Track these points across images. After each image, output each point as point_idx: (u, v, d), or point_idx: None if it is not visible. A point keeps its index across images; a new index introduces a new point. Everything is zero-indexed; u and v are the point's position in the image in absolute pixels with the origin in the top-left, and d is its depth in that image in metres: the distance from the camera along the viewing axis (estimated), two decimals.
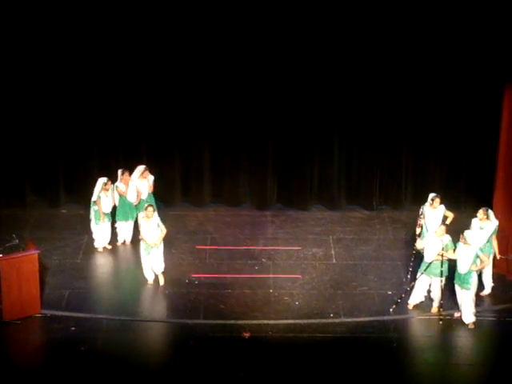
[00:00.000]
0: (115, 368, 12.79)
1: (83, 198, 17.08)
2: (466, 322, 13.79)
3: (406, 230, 16.75)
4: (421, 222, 14.83)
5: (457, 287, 13.83)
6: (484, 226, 14.43)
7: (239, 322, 13.87)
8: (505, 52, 14.71)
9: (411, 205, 17.54)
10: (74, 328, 13.62)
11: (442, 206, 15.07)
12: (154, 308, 14.43)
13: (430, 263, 13.88)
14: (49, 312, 14.01)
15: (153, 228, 14.40)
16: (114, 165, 17.04)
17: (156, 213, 14.52)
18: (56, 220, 17.15)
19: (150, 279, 14.72)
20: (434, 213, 14.95)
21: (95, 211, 15.71)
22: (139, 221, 14.59)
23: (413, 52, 15.98)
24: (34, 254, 13.86)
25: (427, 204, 15.02)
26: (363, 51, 16.07)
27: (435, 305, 14.17)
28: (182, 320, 14.02)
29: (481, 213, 14.47)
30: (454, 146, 17.11)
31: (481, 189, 16.88)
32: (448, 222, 14.88)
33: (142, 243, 14.46)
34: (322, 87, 16.63)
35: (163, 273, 14.68)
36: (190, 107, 16.85)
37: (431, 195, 15.08)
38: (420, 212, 15.01)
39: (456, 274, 13.74)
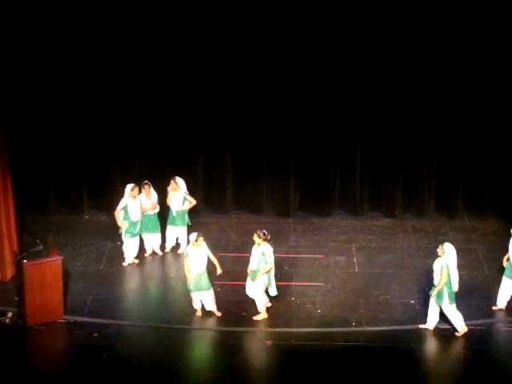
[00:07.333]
0: (137, 375, 12.95)
1: (106, 204, 17.50)
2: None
3: (428, 239, 16.86)
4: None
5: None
6: None
7: (261, 329, 14.06)
8: None
9: (434, 213, 17.70)
10: (96, 334, 13.80)
11: None
12: (177, 315, 14.43)
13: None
14: (71, 318, 14.22)
15: (202, 257, 14.06)
16: (137, 170, 17.31)
17: (205, 243, 14.17)
18: (79, 226, 17.35)
19: (198, 308, 14.44)
20: None
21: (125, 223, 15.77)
22: (185, 251, 14.32)
23: (439, 62, 16.18)
24: (57, 259, 14.03)
25: None
26: (388, 60, 16.28)
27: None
28: (204, 327, 14.24)
29: None
30: (478, 155, 17.24)
31: (503, 199, 17.13)
32: None
33: (189, 278, 14.08)
34: (346, 94, 16.76)
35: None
36: (211, 114, 17.01)
37: None
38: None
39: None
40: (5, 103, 15.83)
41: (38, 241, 14.40)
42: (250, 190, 17.72)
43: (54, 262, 13.99)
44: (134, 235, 15.97)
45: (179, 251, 16.44)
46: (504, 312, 14.61)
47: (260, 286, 14.15)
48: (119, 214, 15.80)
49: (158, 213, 16.22)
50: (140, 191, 15.94)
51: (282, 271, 15.61)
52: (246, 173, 17.62)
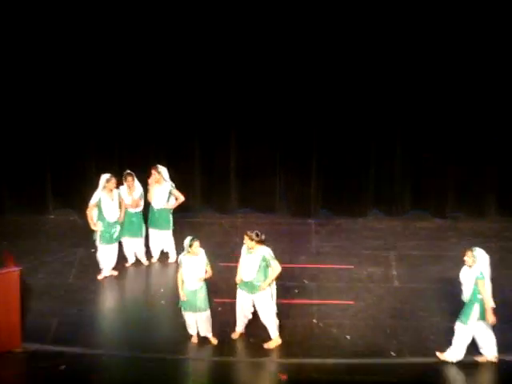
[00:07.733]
0: None
1: (77, 201, 16.56)
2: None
3: (488, 246, 15.17)
4: None
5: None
6: None
7: (274, 359, 13.00)
8: None
9: (495, 213, 16.93)
10: (63, 367, 12.67)
11: None
12: (167, 341, 13.35)
13: None
14: (32, 346, 13.20)
15: (199, 268, 13.05)
16: (116, 163, 16.54)
17: (203, 251, 13.23)
18: (42, 228, 16.68)
19: (193, 333, 13.41)
20: None
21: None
22: (178, 259, 13.42)
23: (498, 54, 15.75)
24: (14, 271, 12.99)
25: None
26: (427, 49, 15.85)
27: None
28: (201, 357, 13.16)
29: None
30: None
31: None
32: None
33: (182, 295, 13.09)
34: (386, 71, 16.16)
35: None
36: (212, 92, 16.42)
37: None
38: None
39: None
40: None
41: None
42: (258, 184, 16.94)
43: (8, 275, 12.91)
44: (111, 241, 14.89)
45: (170, 260, 15.47)
46: None
47: (271, 303, 13.04)
48: (92, 211, 14.73)
49: (142, 211, 15.33)
50: (120, 183, 14.97)
51: (300, 286, 14.77)
52: (253, 163, 16.87)
